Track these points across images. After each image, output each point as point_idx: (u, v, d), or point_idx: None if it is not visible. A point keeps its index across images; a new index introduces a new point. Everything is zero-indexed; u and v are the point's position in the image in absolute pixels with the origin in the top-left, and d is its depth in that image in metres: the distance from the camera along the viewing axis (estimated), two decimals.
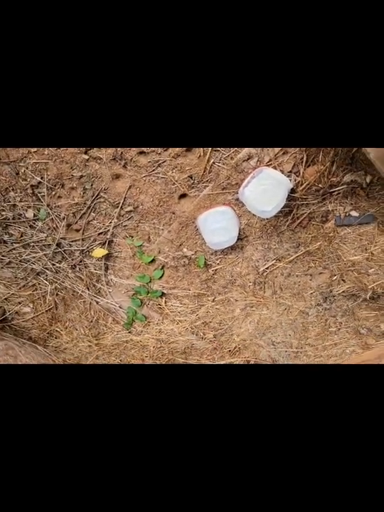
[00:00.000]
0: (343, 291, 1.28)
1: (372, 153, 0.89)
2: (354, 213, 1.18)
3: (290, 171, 1.11)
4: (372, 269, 1.24)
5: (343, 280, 1.27)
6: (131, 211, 1.20)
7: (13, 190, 1.15)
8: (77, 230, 1.23)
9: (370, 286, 1.25)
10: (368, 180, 1.11)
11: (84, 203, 1.18)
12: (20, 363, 1.25)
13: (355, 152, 1.08)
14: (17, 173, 1.12)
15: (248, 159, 1.09)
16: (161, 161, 1.10)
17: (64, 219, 1.20)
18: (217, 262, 1.28)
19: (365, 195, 1.15)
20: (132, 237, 1.25)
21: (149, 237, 1.25)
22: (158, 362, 1.37)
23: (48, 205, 1.18)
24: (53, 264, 1.27)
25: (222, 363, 1.35)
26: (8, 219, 1.20)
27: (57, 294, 1.32)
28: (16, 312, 1.35)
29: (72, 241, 1.24)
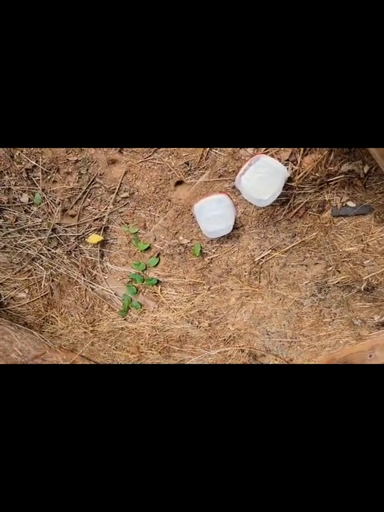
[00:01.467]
0: (338, 282, 1.28)
1: None
2: (351, 204, 1.17)
3: (287, 160, 1.10)
4: (368, 261, 1.24)
5: (338, 271, 1.27)
6: (126, 197, 1.19)
7: (7, 173, 1.14)
8: (73, 216, 1.23)
9: (364, 278, 1.25)
10: (365, 170, 1.10)
11: (80, 188, 1.17)
12: (15, 348, 1.26)
13: None
14: (12, 157, 1.11)
15: None
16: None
17: (59, 204, 1.19)
18: (213, 250, 1.27)
19: (362, 186, 1.14)
20: (128, 224, 1.24)
21: (145, 225, 1.24)
22: (153, 349, 1.38)
23: (43, 190, 1.17)
24: (49, 250, 1.26)
25: (217, 351, 1.36)
26: (3, 203, 1.19)
27: (52, 280, 1.32)
28: (12, 297, 1.35)
29: (67, 227, 1.24)
